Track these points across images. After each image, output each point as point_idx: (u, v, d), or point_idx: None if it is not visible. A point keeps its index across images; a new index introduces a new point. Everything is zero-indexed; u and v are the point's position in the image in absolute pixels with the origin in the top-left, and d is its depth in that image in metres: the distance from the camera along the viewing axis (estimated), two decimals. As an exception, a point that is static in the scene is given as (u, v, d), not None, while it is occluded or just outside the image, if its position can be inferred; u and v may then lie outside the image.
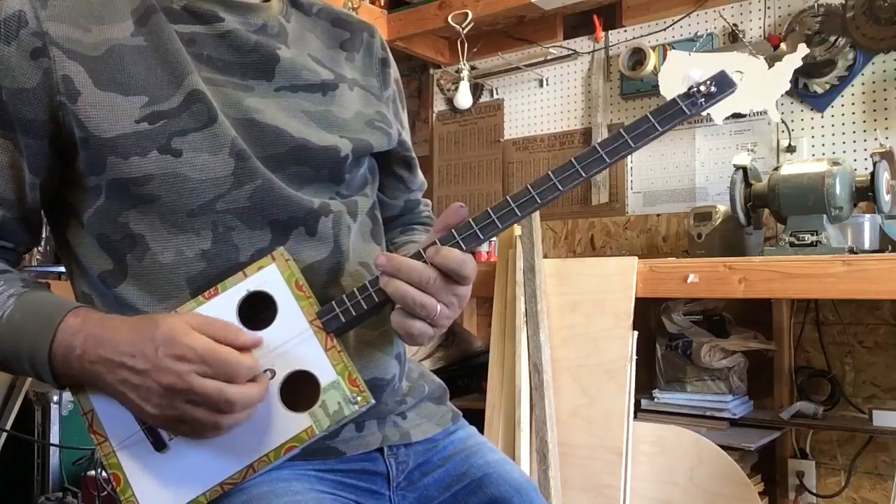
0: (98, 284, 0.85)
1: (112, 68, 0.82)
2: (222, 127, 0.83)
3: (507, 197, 0.79)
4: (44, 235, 2.20)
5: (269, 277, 0.81)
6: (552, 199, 0.78)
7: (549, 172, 0.78)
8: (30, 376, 0.81)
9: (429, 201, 1.17)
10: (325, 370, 0.79)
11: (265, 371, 0.78)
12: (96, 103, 0.80)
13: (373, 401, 0.80)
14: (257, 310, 0.81)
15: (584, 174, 0.78)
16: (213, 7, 0.89)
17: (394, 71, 1.08)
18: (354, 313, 0.80)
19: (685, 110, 0.77)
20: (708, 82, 0.77)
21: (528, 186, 0.79)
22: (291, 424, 0.78)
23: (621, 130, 0.78)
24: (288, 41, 0.94)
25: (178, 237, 0.83)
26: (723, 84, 0.77)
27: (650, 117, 0.77)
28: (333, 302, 0.81)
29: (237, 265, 0.82)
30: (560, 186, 0.78)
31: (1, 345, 0.78)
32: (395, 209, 1.09)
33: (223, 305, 0.80)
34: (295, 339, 0.80)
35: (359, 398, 0.79)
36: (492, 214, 0.78)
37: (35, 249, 2.20)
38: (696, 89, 0.77)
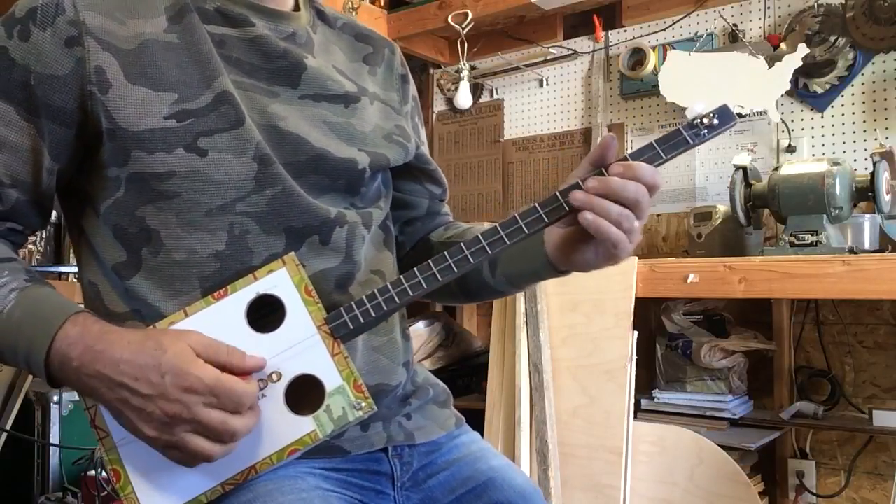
0: (111, 275, 0.85)
1: (144, 63, 0.82)
2: (248, 130, 0.83)
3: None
4: (44, 236, 2.21)
5: (279, 281, 0.81)
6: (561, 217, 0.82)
7: (556, 192, 0.81)
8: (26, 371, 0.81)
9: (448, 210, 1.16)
10: (330, 375, 0.80)
11: (271, 373, 0.79)
12: (126, 96, 0.81)
13: (376, 408, 0.80)
14: (266, 312, 0.81)
15: None
16: (245, 11, 0.89)
17: (412, 88, 1.10)
18: (362, 320, 0.80)
19: (688, 140, 0.81)
20: (711, 115, 0.81)
21: (536, 205, 0.81)
22: (295, 428, 0.78)
23: (626, 156, 0.81)
24: (314, 51, 0.95)
25: (193, 236, 0.83)
26: (724, 117, 0.81)
27: (655, 145, 0.81)
28: (342, 308, 0.81)
29: (250, 268, 0.83)
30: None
31: None
32: (421, 210, 1.10)
33: (232, 307, 0.80)
34: (302, 344, 0.80)
35: (363, 404, 0.79)
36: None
37: (35, 249, 2.20)
38: (699, 121, 0.81)
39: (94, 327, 0.77)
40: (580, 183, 0.80)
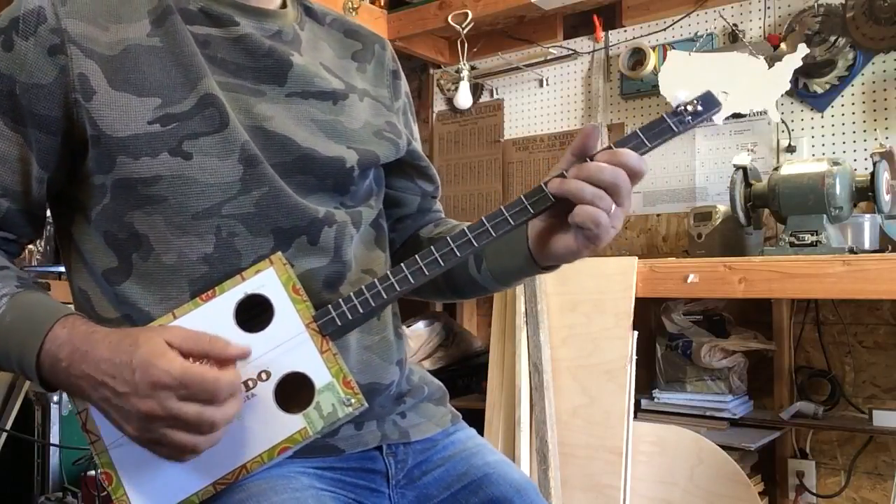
0: (101, 281, 0.85)
1: (127, 68, 0.82)
2: (233, 132, 0.83)
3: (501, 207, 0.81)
4: (44, 235, 2.20)
5: (267, 281, 0.81)
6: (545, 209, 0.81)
7: (542, 184, 0.81)
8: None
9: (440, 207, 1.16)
10: (319, 372, 0.80)
11: (260, 372, 0.79)
12: (110, 103, 0.81)
13: (366, 404, 0.80)
14: (254, 313, 0.81)
15: None
16: (229, 11, 0.89)
17: (404, 84, 1.09)
18: (350, 317, 0.80)
19: (673, 127, 0.81)
20: (695, 101, 0.81)
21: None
22: (285, 425, 0.79)
23: (612, 144, 0.80)
24: (301, 49, 0.94)
25: (181, 239, 0.83)
26: (709, 103, 0.81)
27: (639, 133, 0.81)
28: (329, 305, 0.81)
29: (239, 270, 0.83)
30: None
31: None
32: (412, 207, 1.09)
33: (220, 308, 0.80)
34: (291, 342, 0.80)
35: (353, 400, 0.80)
36: (484, 223, 0.80)
37: (35, 249, 2.20)
38: (683, 108, 0.81)
39: (81, 328, 0.77)
40: (564, 173, 0.80)
